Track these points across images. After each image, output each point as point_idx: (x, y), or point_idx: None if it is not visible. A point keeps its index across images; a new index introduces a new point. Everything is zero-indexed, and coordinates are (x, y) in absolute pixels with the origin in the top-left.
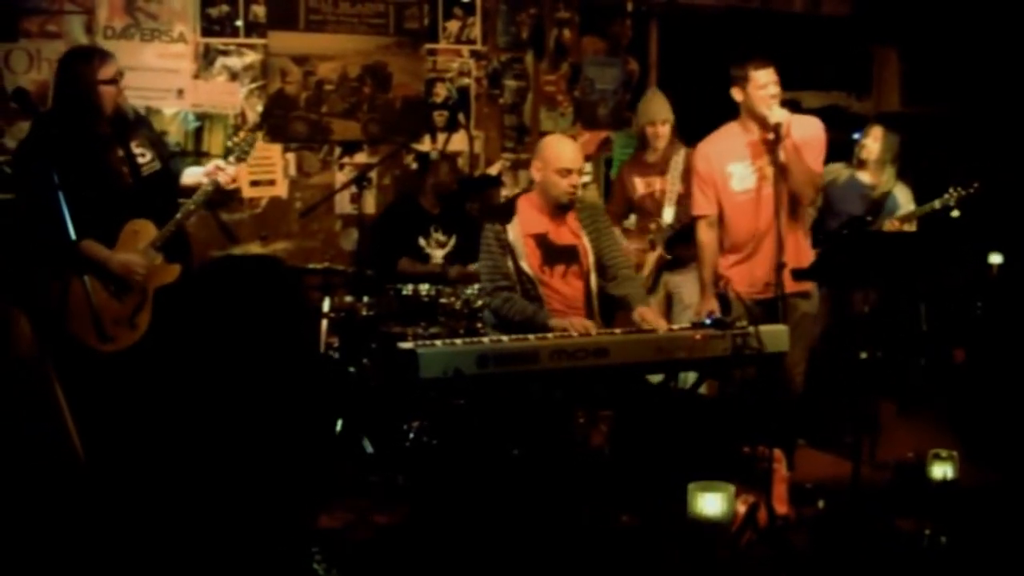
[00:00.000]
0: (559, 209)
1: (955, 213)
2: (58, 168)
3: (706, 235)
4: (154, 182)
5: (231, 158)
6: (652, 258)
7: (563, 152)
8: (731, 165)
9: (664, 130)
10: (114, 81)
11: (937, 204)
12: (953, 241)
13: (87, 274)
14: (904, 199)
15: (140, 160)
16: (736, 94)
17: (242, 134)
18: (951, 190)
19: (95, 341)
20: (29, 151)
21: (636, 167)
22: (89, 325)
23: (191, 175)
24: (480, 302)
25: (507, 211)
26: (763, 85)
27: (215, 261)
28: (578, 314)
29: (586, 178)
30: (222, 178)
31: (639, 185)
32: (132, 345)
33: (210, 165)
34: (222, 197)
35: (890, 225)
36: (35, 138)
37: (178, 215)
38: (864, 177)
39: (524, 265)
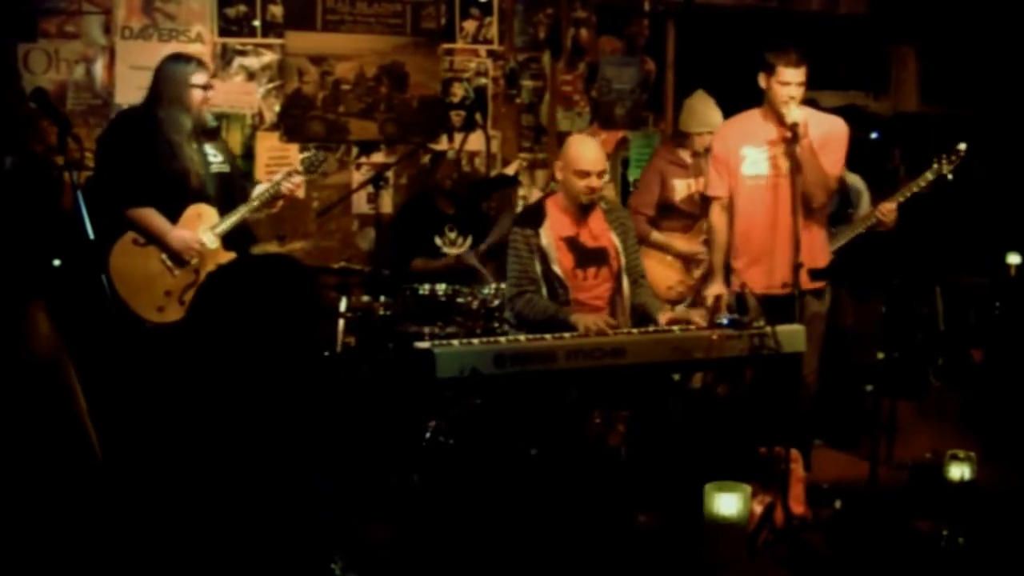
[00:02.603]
0: (581, 210)
1: (947, 171)
2: (134, 155)
3: (718, 218)
4: (220, 183)
5: (300, 168)
6: (705, 261)
7: (583, 154)
8: (745, 148)
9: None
10: (204, 87)
11: (930, 176)
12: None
13: (148, 245)
14: (859, 183)
15: (211, 159)
16: (761, 80)
17: (313, 151)
18: (937, 161)
19: (146, 310)
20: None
21: (675, 168)
22: (143, 294)
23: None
24: (498, 303)
25: (537, 214)
26: (786, 83)
27: (230, 260)
28: (606, 315)
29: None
30: (286, 187)
31: (679, 187)
32: (178, 321)
33: (280, 174)
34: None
35: (886, 209)
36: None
37: (241, 207)
38: None
39: (556, 269)
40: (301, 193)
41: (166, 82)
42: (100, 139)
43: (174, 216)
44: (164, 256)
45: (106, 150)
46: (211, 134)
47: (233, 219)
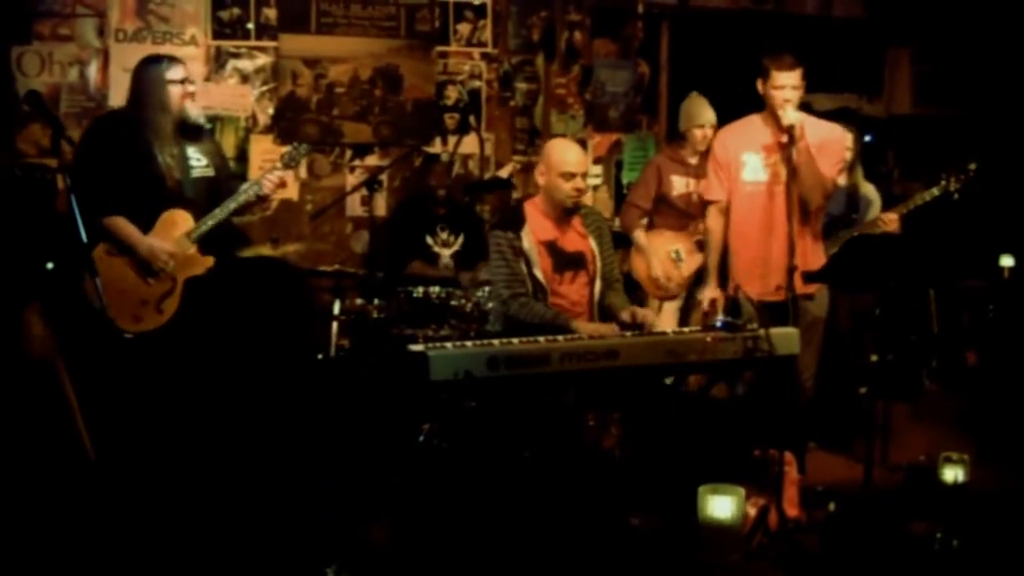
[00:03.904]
0: (564, 213)
1: (954, 188)
2: (108, 160)
3: (715, 221)
4: (202, 187)
5: (279, 164)
6: (696, 261)
7: (567, 156)
8: (745, 154)
9: (711, 134)
10: (181, 82)
11: (936, 192)
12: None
13: (122, 254)
14: (872, 194)
15: (194, 163)
16: (759, 86)
17: (294, 145)
18: (945, 177)
19: (123, 320)
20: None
21: (675, 165)
22: (119, 304)
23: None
24: (491, 305)
25: (516, 218)
26: (780, 86)
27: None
28: (584, 319)
29: (596, 180)
30: (267, 183)
31: (677, 183)
32: (157, 329)
33: (261, 174)
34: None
35: (888, 218)
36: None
37: (217, 210)
38: (840, 179)
39: (537, 272)
40: (292, 192)
41: (143, 85)
42: (78, 143)
43: (149, 221)
44: (135, 265)
45: (80, 155)
46: (197, 135)
47: (209, 223)
